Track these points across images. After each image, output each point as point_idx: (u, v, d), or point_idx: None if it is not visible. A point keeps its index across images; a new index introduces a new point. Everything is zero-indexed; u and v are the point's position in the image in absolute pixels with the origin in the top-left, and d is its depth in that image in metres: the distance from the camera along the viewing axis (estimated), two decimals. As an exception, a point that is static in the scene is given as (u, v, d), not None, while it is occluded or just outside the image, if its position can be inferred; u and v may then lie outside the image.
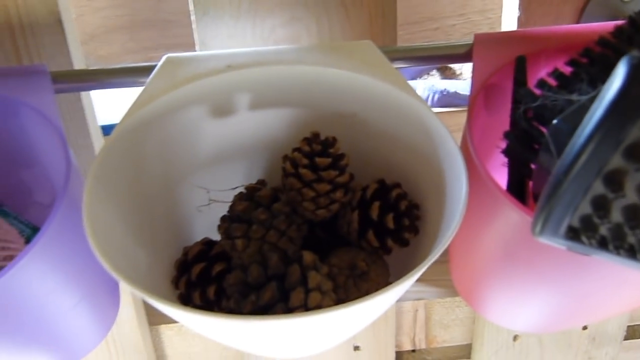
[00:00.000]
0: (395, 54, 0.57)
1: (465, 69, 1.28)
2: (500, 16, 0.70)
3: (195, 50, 0.63)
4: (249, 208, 0.49)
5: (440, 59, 0.60)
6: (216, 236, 0.52)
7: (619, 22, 0.48)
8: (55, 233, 0.43)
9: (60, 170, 0.46)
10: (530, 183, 0.47)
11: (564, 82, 0.44)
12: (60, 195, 0.44)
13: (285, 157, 0.51)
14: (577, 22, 0.68)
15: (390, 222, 0.49)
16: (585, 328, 0.92)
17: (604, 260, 0.35)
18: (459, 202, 0.42)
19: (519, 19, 0.67)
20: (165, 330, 0.89)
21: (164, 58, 0.53)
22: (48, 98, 0.51)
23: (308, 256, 0.43)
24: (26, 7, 0.59)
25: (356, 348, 0.90)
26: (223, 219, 0.51)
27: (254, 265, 0.43)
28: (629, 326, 0.96)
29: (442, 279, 0.85)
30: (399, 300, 0.88)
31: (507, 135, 0.46)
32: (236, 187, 0.53)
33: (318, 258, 0.44)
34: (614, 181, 0.32)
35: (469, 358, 0.97)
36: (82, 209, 0.41)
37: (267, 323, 0.36)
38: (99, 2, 1.09)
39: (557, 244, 0.35)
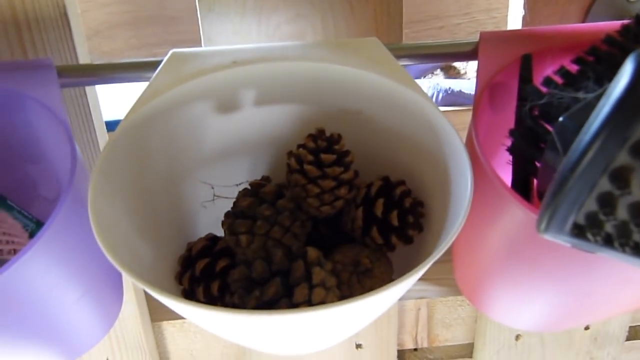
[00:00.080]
0: (401, 52, 0.57)
1: (469, 69, 1.28)
2: (506, 15, 0.70)
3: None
4: (254, 204, 0.49)
5: (446, 56, 0.60)
6: (220, 232, 0.52)
7: (626, 21, 0.47)
8: (59, 227, 0.43)
9: (65, 165, 0.46)
10: (535, 181, 0.47)
11: (570, 80, 0.44)
12: (65, 189, 0.44)
13: (290, 154, 0.51)
14: (583, 22, 0.68)
15: (394, 220, 0.49)
16: (587, 328, 0.92)
17: (608, 258, 0.35)
18: (463, 199, 0.42)
19: (524, 18, 0.66)
20: (167, 326, 0.90)
21: (169, 53, 0.53)
22: (54, 92, 0.51)
23: (312, 252, 0.43)
24: (32, 2, 0.59)
25: (358, 346, 0.90)
26: (227, 214, 0.51)
27: (258, 260, 0.43)
28: (630, 327, 0.96)
29: (445, 277, 0.85)
30: (401, 299, 0.88)
31: (512, 133, 0.46)
32: (240, 183, 0.53)
33: (322, 254, 0.44)
34: (620, 178, 0.32)
35: (471, 357, 0.97)
36: (88, 204, 0.41)
37: (271, 318, 0.36)
38: (103, -3, 1.09)
39: (562, 241, 0.35)
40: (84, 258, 0.49)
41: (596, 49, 0.45)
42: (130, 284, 0.76)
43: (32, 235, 0.54)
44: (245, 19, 0.64)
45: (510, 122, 0.49)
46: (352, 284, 0.49)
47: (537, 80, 0.47)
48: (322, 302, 0.42)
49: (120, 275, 0.59)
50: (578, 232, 0.34)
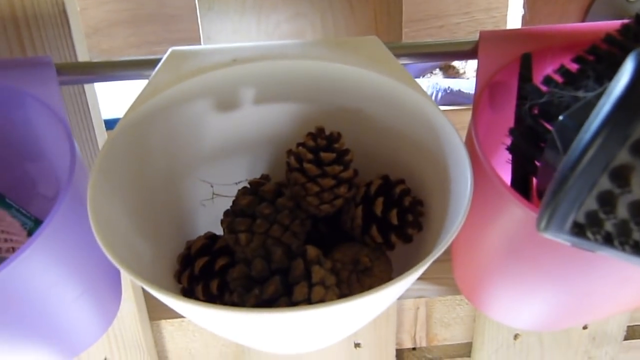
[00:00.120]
0: (401, 50, 0.57)
1: (468, 68, 1.28)
2: (505, 15, 0.70)
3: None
4: (253, 202, 0.49)
5: (446, 55, 0.60)
6: (219, 230, 0.52)
7: (626, 20, 0.48)
8: (58, 226, 0.43)
9: (64, 163, 0.46)
10: (535, 180, 0.47)
11: (570, 79, 0.44)
12: (64, 188, 0.44)
13: (290, 152, 0.51)
14: (582, 21, 0.68)
15: (394, 218, 0.49)
16: (585, 328, 0.92)
17: (608, 257, 0.35)
18: (463, 198, 0.42)
19: (524, 17, 0.66)
20: (166, 325, 0.89)
21: (169, 51, 0.53)
22: (53, 90, 0.51)
23: (312, 251, 0.43)
24: (31, -1, 0.59)
25: (357, 345, 0.90)
26: (226, 213, 0.51)
27: (257, 259, 0.43)
28: (629, 326, 0.96)
29: (444, 277, 0.86)
30: (400, 298, 0.88)
31: (512, 131, 0.46)
32: (240, 182, 0.53)
33: (322, 253, 0.44)
34: (621, 177, 0.32)
35: (470, 356, 0.97)
36: (87, 202, 0.41)
37: (270, 316, 0.36)
38: (103, -5, 1.09)
39: (562, 240, 0.35)
40: (83, 256, 0.49)
41: (596, 48, 0.45)
42: (128, 283, 0.76)
43: (30, 233, 0.54)
44: (244, 18, 0.64)
45: (510, 121, 0.49)
46: (352, 282, 0.49)
47: (537, 79, 0.47)
48: (322, 301, 0.42)
49: (119, 274, 0.59)
50: (578, 230, 0.34)
